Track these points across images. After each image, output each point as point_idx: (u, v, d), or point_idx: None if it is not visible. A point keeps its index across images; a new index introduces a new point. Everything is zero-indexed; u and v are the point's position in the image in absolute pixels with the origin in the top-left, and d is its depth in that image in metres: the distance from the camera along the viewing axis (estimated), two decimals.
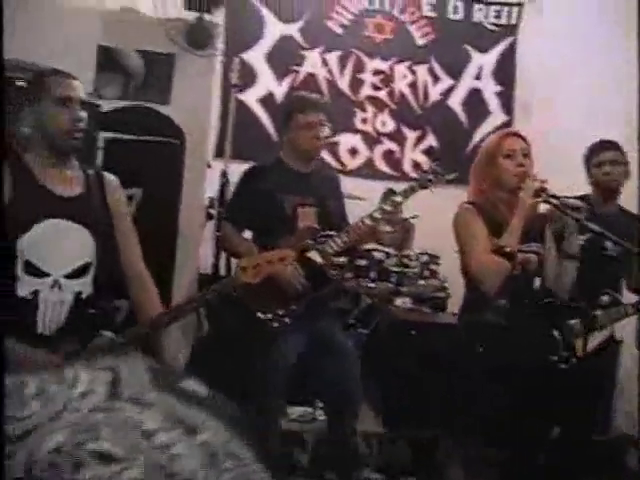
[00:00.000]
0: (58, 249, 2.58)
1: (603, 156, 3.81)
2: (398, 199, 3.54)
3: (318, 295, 3.40)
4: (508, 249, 2.83)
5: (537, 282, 3.39)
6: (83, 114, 2.63)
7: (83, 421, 0.44)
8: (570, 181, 4.01)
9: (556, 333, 3.46)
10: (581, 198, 3.86)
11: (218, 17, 4.71)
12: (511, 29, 6.27)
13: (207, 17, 4.42)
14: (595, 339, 3.53)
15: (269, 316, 3.27)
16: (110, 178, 2.85)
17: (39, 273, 2.53)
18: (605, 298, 3.64)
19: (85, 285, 2.63)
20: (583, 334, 3.49)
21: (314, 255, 3.38)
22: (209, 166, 4.75)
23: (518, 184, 2.94)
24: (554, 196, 2.85)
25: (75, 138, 2.60)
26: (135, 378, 0.49)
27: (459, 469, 3.25)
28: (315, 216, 3.53)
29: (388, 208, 3.50)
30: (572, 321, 3.48)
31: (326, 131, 3.60)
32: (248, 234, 3.71)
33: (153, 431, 0.45)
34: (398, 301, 4.80)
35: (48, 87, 2.58)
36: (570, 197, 3.60)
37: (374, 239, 5.22)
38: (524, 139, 3.14)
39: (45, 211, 2.55)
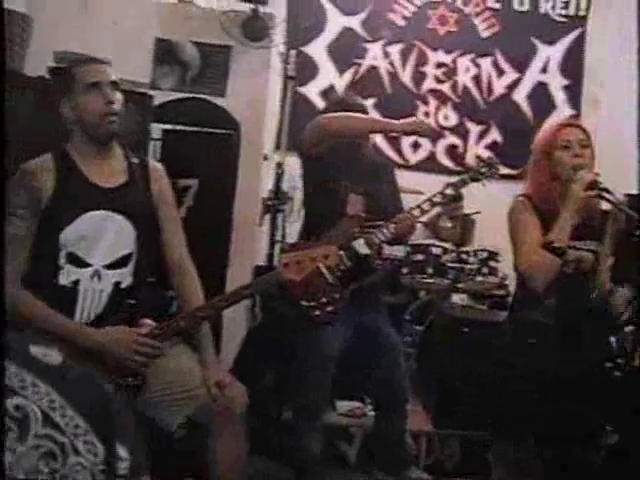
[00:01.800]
0: (100, 240, 2.59)
1: None
2: (448, 191, 3.46)
3: (362, 284, 3.35)
4: (556, 244, 2.72)
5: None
6: (116, 96, 2.63)
7: None
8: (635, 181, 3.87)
9: (613, 339, 3.35)
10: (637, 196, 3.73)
11: (274, 9, 4.70)
12: (579, 20, 6.09)
13: (262, 9, 4.42)
14: None
15: (312, 304, 3.23)
16: (155, 166, 2.85)
17: (81, 263, 2.56)
18: None
19: (125, 275, 2.63)
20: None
21: (359, 244, 3.33)
22: (266, 158, 4.75)
23: (574, 176, 2.82)
24: (607, 190, 2.72)
25: (111, 121, 2.60)
26: None
27: (510, 471, 3.16)
28: (364, 204, 3.48)
29: (437, 200, 3.43)
30: (630, 328, 3.36)
31: None
32: (298, 225, 3.69)
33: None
34: (455, 298, 4.73)
35: (77, 76, 2.60)
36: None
37: (432, 232, 5.18)
38: (583, 129, 3.01)
39: (87, 203, 2.57)
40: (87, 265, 2.56)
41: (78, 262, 2.54)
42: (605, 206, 2.99)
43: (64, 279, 2.53)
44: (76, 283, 2.54)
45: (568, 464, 3.24)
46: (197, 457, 2.69)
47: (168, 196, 2.84)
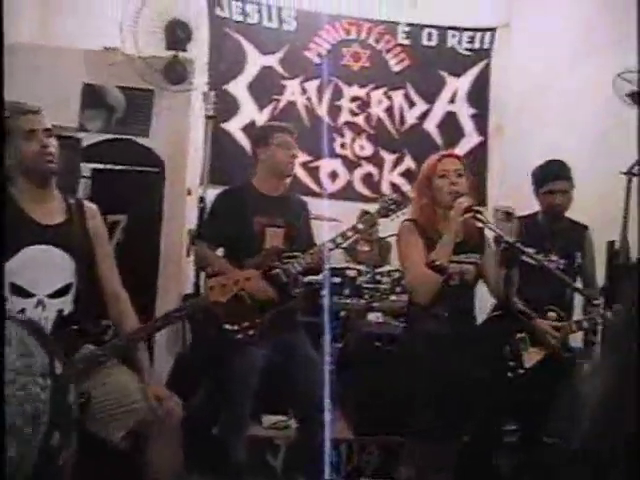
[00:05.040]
0: (41, 272, 2.87)
1: (554, 186, 3.94)
2: (360, 226, 3.81)
3: (281, 310, 3.65)
4: (438, 262, 3.07)
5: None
6: (51, 141, 2.93)
7: None
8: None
9: (505, 345, 3.70)
10: (531, 216, 4.12)
11: (196, 52, 5.02)
12: (484, 53, 6.54)
13: (182, 54, 4.74)
14: (542, 352, 3.78)
15: (235, 327, 3.53)
16: (90, 206, 3.16)
17: (24, 294, 2.82)
18: (552, 314, 3.90)
19: (66, 303, 2.92)
20: (529, 347, 3.76)
21: (279, 274, 3.63)
22: (189, 193, 5.04)
23: (451, 202, 3.17)
24: (479, 211, 3.09)
25: (47, 161, 2.90)
26: None
27: (418, 468, 3.42)
28: (282, 237, 3.78)
29: (350, 234, 3.77)
30: (520, 334, 3.74)
31: (296, 151, 3.91)
32: (220, 252, 3.91)
33: None
34: (371, 316, 5.06)
35: (16, 125, 2.88)
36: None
37: (351, 256, 5.52)
38: (460, 160, 3.39)
39: (29, 238, 2.86)
40: (30, 295, 2.83)
41: (22, 293, 2.82)
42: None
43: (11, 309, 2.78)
44: (22, 312, 2.79)
45: (473, 460, 3.56)
46: (137, 466, 2.96)
47: (103, 233, 3.16)
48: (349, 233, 3.78)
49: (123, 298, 3.13)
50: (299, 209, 4.03)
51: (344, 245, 4.20)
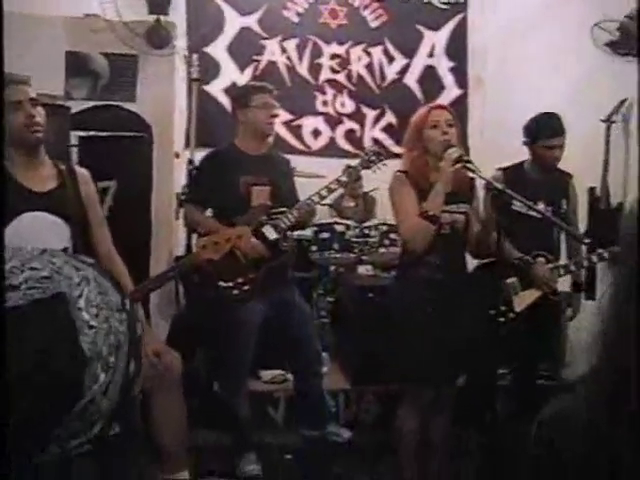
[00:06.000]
0: (37, 238, 2.91)
1: (554, 142, 3.93)
2: (343, 178, 3.89)
3: (273, 265, 3.73)
4: (430, 213, 3.16)
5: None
6: (37, 110, 2.97)
7: None
8: (520, 149, 4.28)
9: (495, 289, 3.79)
10: (516, 166, 4.19)
11: (175, 17, 5.03)
12: (461, 6, 6.56)
13: (164, 18, 4.76)
14: (531, 296, 3.89)
15: (230, 284, 3.61)
16: (82, 172, 3.21)
17: None
18: (541, 260, 3.99)
19: None
20: (520, 291, 3.87)
21: (268, 230, 3.72)
22: (177, 156, 5.09)
23: (443, 151, 3.24)
24: (469, 161, 3.17)
25: (34, 131, 2.95)
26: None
27: (416, 417, 3.51)
28: (268, 195, 3.86)
29: (334, 186, 3.86)
30: (510, 279, 3.84)
31: (277, 110, 3.97)
32: (209, 213, 3.99)
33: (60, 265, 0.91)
34: (361, 269, 5.17)
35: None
36: None
37: (337, 212, 5.61)
38: (449, 111, 3.47)
39: (23, 206, 2.91)
40: None
41: None
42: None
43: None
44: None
45: (470, 403, 3.67)
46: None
47: (94, 198, 3.22)
48: (333, 186, 3.87)
49: (117, 261, 3.21)
50: (283, 167, 4.11)
51: (329, 199, 4.31)
